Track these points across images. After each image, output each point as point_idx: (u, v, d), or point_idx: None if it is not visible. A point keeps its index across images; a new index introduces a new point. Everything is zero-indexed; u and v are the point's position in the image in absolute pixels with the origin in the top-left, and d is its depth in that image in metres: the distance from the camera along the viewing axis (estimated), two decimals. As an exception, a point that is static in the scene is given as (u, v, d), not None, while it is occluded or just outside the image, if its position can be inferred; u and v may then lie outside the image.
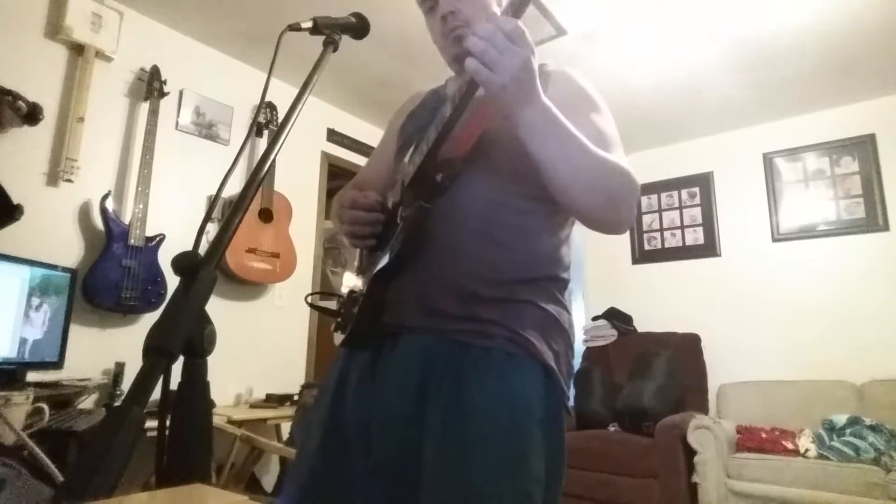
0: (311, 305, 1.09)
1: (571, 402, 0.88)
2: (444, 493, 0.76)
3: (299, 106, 0.76)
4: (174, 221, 2.63)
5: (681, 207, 4.14)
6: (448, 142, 0.82)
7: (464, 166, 0.87)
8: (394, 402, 0.83)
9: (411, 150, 0.92)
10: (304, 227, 3.35)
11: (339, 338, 0.93)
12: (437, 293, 0.85)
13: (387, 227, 0.91)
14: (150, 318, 2.49)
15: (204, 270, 0.57)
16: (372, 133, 3.94)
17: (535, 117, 0.75)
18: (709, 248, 3.97)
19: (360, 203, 0.92)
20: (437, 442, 0.78)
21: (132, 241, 2.36)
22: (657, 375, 3.40)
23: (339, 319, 0.97)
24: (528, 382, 0.81)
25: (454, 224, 0.86)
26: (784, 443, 2.85)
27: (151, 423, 0.59)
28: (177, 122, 2.81)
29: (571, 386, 0.91)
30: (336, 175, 3.75)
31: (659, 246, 4.20)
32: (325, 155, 3.58)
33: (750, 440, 2.94)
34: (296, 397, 2.79)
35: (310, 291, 3.32)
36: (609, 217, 0.84)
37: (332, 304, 1.05)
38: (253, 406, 2.75)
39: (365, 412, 0.86)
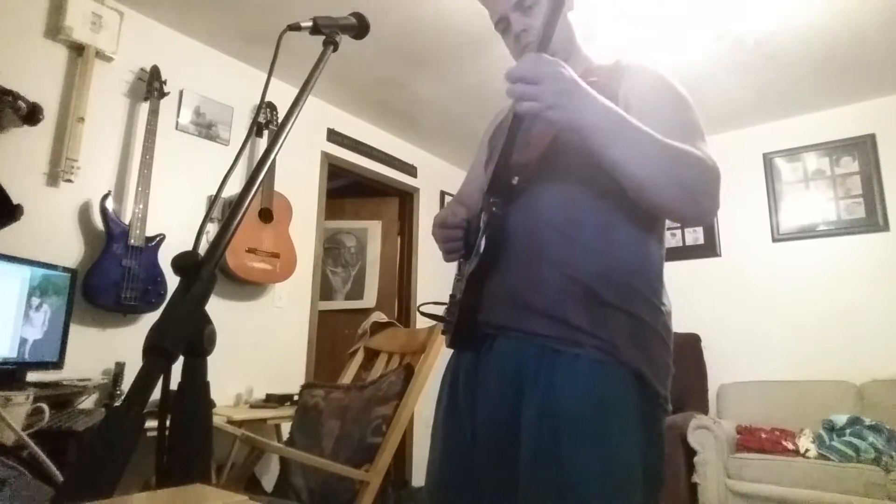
0: (423, 314, 1.15)
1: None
2: (538, 476, 0.81)
3: (299, 106, 0.76)
4: (174, 221, 2.63)
5: (681, 207, 4.14)
6: (523, 146, 0.86)
7: (538, 168, 0.90)
8: (494, 401, 0.89)
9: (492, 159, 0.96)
10: (304, 227, 3.34)
11: (446, 340, 1.01)
12: (524, 292, 0.88)
13: (475, 234, 0.95)
14: (150, 318, 2.49)
15: (204, 270, 0.57)
16: (372, 133, 3.93)
17: (596, 121, 0.78)
18: (709, 248, 3.96)
19: (449, 222, 0.99)
20: (533, 432, 0.82)
21: (132, 241, 2.36)
22: (657, 375, 3.39)
23: (445, 323, 1.03)
24: (614, 385, 0.82)
25: (534, 225, 0.89)
26: (784, 443, 2.85)
27: (151, 423, 0.59)
28: (177, 122, 2.81)
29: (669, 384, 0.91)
30: (336, 175, 3.75)
31: (659, 246, 4.19)
32: (325, 155, 3.58)
33: (750, 440, 2.94)
34: (296, 397, 2.78)
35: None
36: (689, 210, 0.83)
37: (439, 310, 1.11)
38: (253, 406, 2.75)
39: (472, 409, 0.93)
